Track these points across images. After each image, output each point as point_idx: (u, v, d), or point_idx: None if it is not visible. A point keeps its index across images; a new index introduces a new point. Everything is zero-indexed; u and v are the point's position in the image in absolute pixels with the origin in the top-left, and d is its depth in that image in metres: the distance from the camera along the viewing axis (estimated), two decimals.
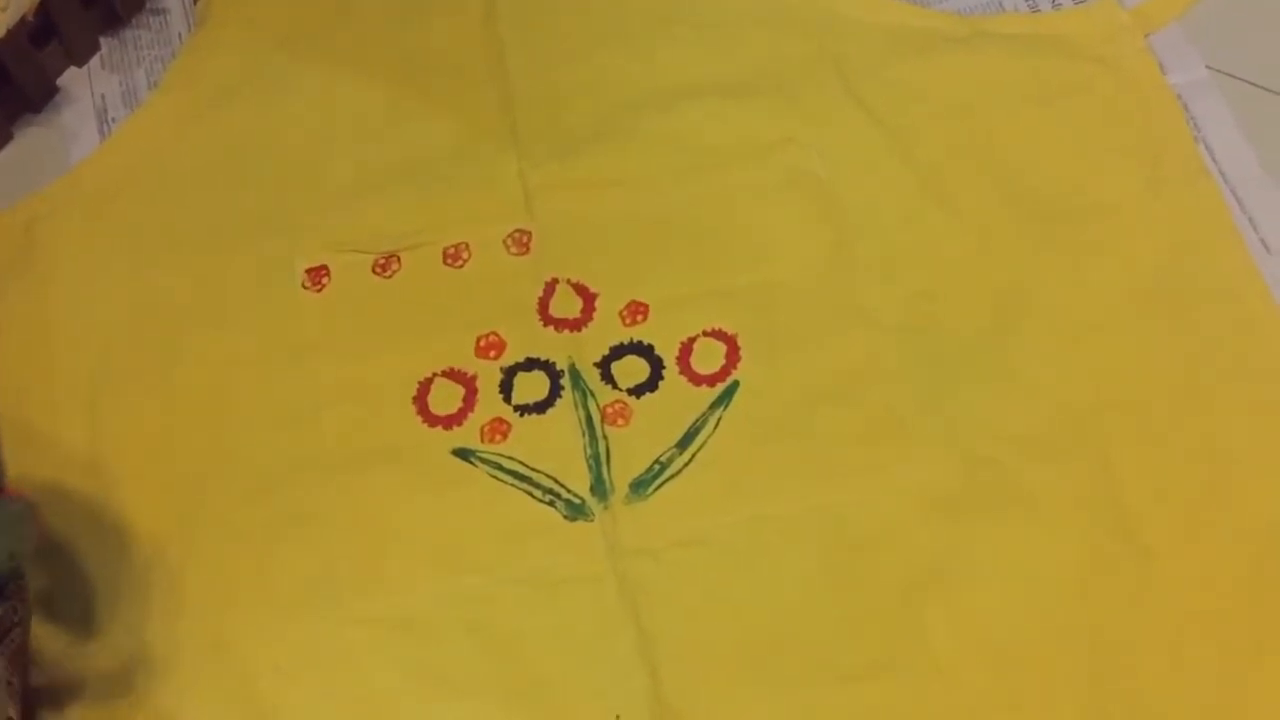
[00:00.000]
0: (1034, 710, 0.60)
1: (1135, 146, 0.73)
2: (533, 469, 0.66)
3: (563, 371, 0.68)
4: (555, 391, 0.68)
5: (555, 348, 0.69)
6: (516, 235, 0.72)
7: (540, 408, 0.67)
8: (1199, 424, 0.66)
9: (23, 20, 0.73)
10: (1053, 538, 0.64)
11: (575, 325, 0.70)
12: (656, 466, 0.66)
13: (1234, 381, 0.67)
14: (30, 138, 0.76)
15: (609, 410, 0.67)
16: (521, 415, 0.67)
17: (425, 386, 0.68)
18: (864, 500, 0.64)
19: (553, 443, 0.67)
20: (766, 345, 0.69)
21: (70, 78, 0.78)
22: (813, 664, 0.61)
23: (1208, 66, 0.75)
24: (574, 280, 0.71)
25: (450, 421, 0.67)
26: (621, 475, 0.66)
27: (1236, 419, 0.66)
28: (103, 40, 0.79)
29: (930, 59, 0.75)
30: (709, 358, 0.68)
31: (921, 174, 0.73)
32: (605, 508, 0.65)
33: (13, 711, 0.59)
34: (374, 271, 0.71)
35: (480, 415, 0.67)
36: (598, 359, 0.69)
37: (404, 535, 0.65)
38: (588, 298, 0.70)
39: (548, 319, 0.70)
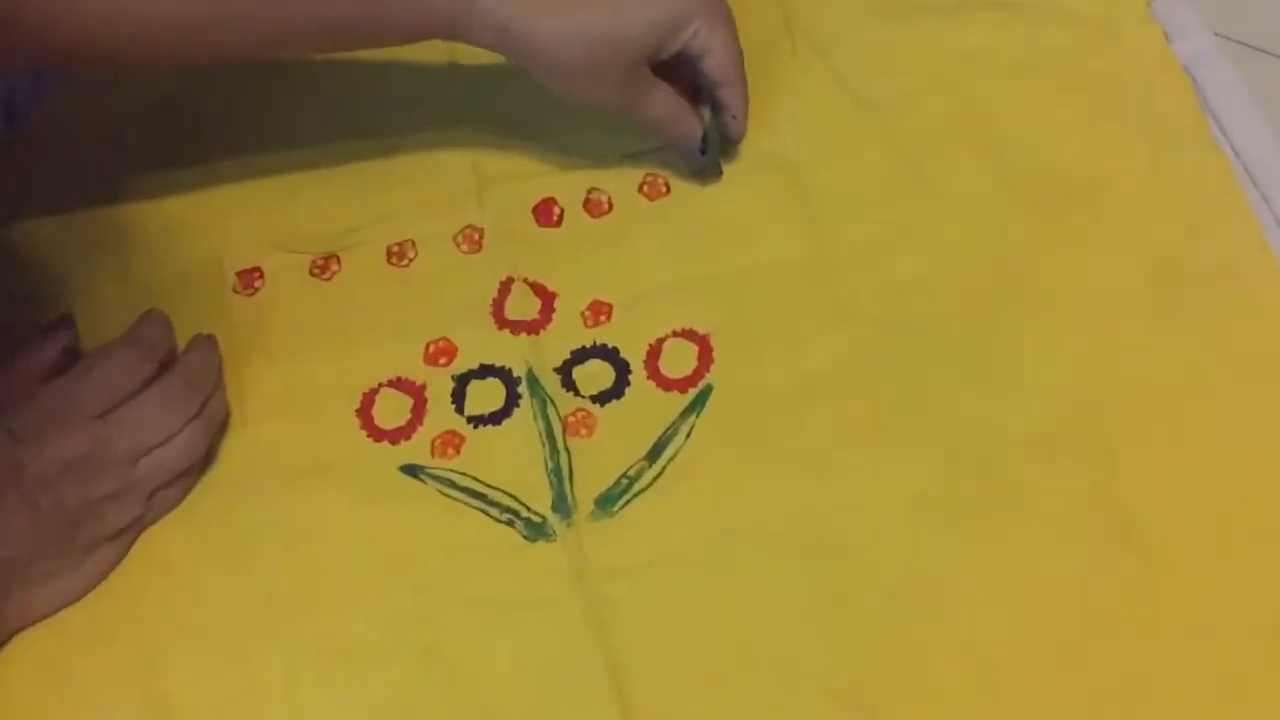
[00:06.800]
0: None
1: (1139, 120, 0.74)
2: (488, 485, 0.67)
3: (520, 379, 0.69)
4: (512, 400, 0.69)
5: (511, 353, 0.70)
6: (467, 231, 0.73)
7: (496, 418, 0.69)
8: (1207, 419, 0.67)
9: None
10: (1049, 543, 0.64)
11: (533, 328, 0.71)
12: (624, 480, 0.67)
13: (1243, 373, 0.68)
14: None
15: (571, 420, 0.68)
16: (475, 427, 0.68)
17: (369, 397, 0.69)
18: (848, 507, 0.65)
19: (510, 456, 0.67)
20: (741, 344, 0.70)
21: None
22: (796, 685, 0.62)
23: (1215, 33, 0.76)
24: (531, 279, 0.72)
25: (397, 435, 0.68)
26: (586, 490, 0.66)
27: (1246, 413, 0.67)
28: None
29: (912, 29, 0.77)
30: (679, 360, 0.70)
31: (905, 153, 0.74)
32: (568, 526, 0.65)
33: None
34: (311, 273, 0.72)
35: (430, 428, 0.68)
36: (558, 364, 0.70)
37: (349, 558, 0.65)
38: (546, 298, 0.71)
39: (503, 321, 0.71)
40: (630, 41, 0.67)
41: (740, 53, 0.70)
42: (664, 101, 0.70)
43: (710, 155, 0.72)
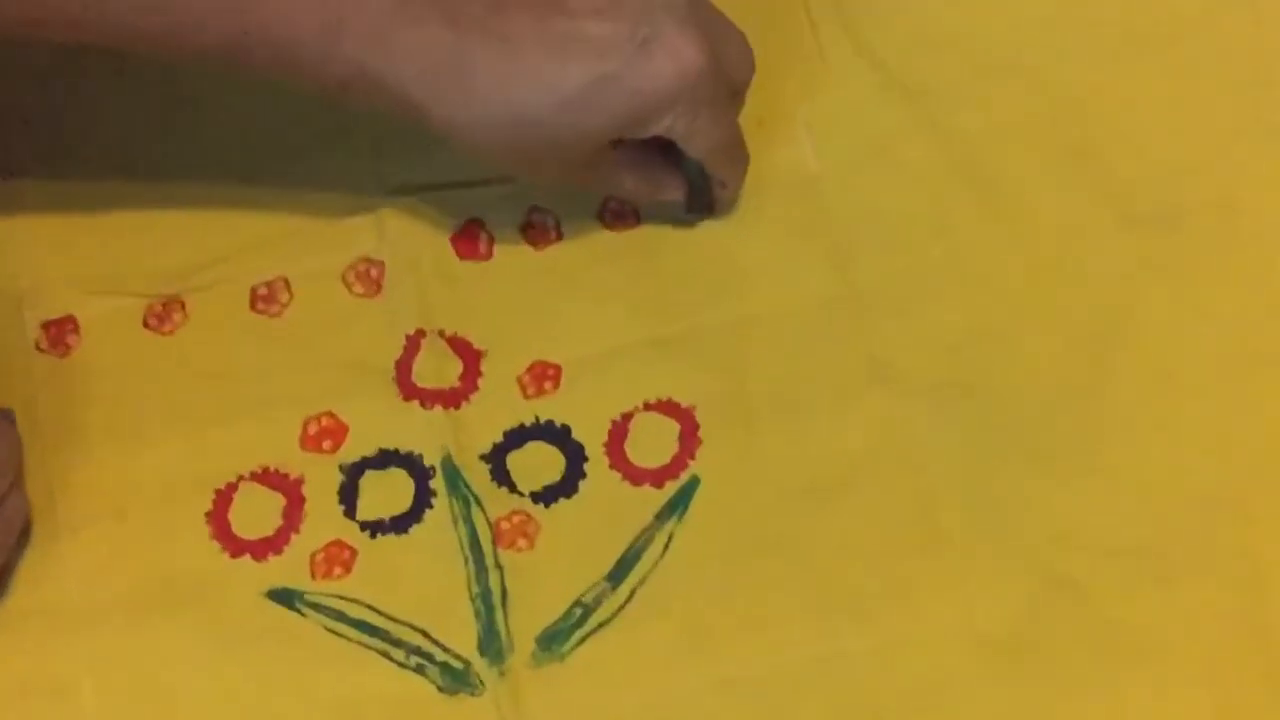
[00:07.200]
0: None
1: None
2: (391, 618, 0.61)
3: (433, 469, 0.63)
4: (423, 500, 0.62)
5: (422, 434, 0.64)
6: (360, 266, 0.66)
7: (400, 525, 0.62)
8: None
9: None
10: (1174, 696, 0.58)
11: (452, 399, 0.64)
12: (578, 610, 0.60)
13: None
14: None
15: (505, 526, 0.62)
16: (372, 536, 0.62)
17: (225, 496, 0.63)
18: (886, 648, 0.59)
19: (420, 577, 0.61)
20: (737, 422, 0.63)
21: None
22: None
23: None
24: (449, 332, 0.65)
25: (264, 548, 0.62)
26: (525, 624, 0.60)
27: None
28: None
29: None
30: (653, 443, 0.63)
31: (961, 162, 0.67)
32: (501, 674, 0.59)
33: None
34: (146, 324, 0.66)
35: (309, 538, 0.62)
36: (486, 450, 0.63)
37: None
38: (470, 358, 0.65)
39: (410, 390, 0.64)
40: (577, 142, 0.62)
41: (735, 134, 0.65)
42: (631, 179, 0.66)
43: (696, 213, 0.67)
